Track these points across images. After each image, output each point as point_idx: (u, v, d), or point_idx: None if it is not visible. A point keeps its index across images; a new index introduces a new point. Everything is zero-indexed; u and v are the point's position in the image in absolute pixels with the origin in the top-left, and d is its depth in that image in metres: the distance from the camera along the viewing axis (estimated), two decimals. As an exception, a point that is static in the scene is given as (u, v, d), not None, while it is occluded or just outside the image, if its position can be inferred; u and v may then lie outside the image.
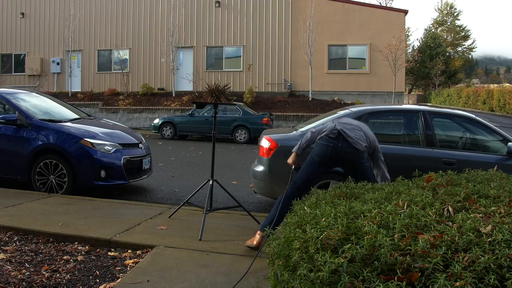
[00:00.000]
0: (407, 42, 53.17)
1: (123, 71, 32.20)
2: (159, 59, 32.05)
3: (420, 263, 2.37)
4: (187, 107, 27.40)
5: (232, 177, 11.15)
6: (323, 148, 5.43)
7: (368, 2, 34.83)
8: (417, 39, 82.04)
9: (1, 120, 8.75)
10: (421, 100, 54.63)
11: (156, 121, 23.73)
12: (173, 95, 29.91)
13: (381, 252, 2.45)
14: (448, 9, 67.82)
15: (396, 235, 2.65)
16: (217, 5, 31.71)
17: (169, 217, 6.80)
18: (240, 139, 22.14)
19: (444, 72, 53.05)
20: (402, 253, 2.47)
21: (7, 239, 5.79)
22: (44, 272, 4.66)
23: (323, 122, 7.64)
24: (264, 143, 7.49)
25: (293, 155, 5.73)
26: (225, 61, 31.78)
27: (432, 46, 54.31)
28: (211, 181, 6.32)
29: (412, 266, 2.37)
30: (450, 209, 3.19)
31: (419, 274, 2.31)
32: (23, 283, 4.36)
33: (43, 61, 34.77)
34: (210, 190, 6.26)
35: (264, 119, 22.44)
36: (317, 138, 5.56)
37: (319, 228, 2.86)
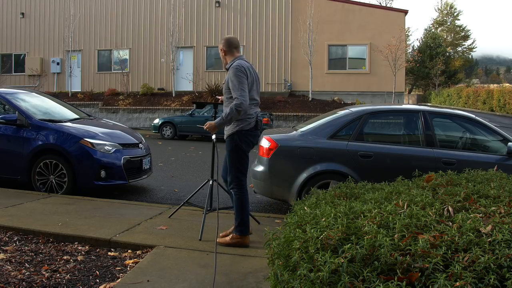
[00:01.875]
0: (407, 42, 53.17)
1: (123, 71, 32.20)
2: (159, 59, 32.04)
3: (420, 263, 2.38)
4: (187, 107, 27.40)
5: (232, 177, 11.13)
6: None
7: (368, 2, 34.76)
8: (417, 39, 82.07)
9: (1, 120, 8.74)
10: (421, 100, 54.65)
11: (156, 121, 23.71)
12: (173, 95, 29.90)
13: (381, 252, 2.45)
14: (448, 9, 67.83)
15: (396, 235, 2.65)
16: (217, 5, 31.71)
17: (169, 217, 6.79)
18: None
19: (444, 72, 53.07)
20: (402, 253, 2.47)
21: (7, 239, 5.79)
22: (44, 272, 4.66)
23: (323, 122, 7.65)
24: (264, 143, 7.49)
25: None
26: (224, 61, 31.72)
27: (432, 46, 54.31)
28: (211, 181, 6.30)
29: (412, 266, 2.37)
30: (450, 209, 3.19)
31: (419, 274, 2.31)
32: (23, 283, 4.36)
33: (43, 61, 34.76)
34: (210, 190, 6.25)
35: (264, 119, 22.38)
36: None
37: (319, 228, 2.87)
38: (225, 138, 5.64)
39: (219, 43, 5.87)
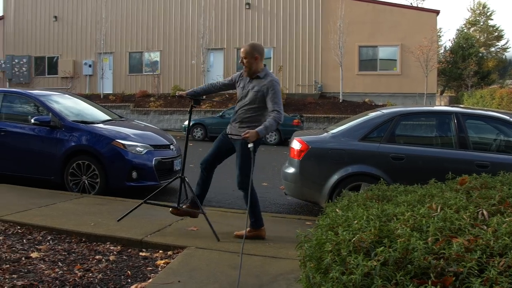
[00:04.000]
0: (439, 43, 52.52)
1: (154, 73, 32.48)
2: (189, 61, 32.23)
3: (454, 267, 2.35)
4: (217, 109, 27.47)
5: (263, 179, 11.15)
6: None
7: (399, 3, 34.47)
8: (449, 40, 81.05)
9: (35, 122, 8.88)
10: (453, 101, 53.89)
11: (186, 123, 23.76)
12: (203, 97, 29.89)
13: (415, 256, 2.43)
14: (481, 9, 66.82)
15: (429, 239, 2.62)
16: (247, 6, 31.77)
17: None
18: (271, 140, 22.09)
19: (477, 73, 52.23)
20: (435, 256, 2.44)
21: (41, 238, 5.88)
22: (76, 271, 4.72)
23: (354, 124, 7.61)
24: (295, 145, 7.48)
25: None
26: (255, 63, 31.73)
27: (465, 47, 53.49)
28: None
29: (446, 270, 2.35)
30: (485, 212, 3.14)
31: (453, 278, 2.29)
32: (56, 281, 4.42)
33: (75, 63, 35.26)
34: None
35: (295, 120, 22.37)
36: None
37: (351, 230, 2.85)
38: (238, 139, 5.81)
39: (246, 47, 5.87)
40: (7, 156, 9.15)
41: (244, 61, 5.84)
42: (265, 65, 6.02)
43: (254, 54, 5.81)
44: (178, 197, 6.16)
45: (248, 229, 5.82)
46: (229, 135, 6.02)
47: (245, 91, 5.91)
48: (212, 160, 6.15)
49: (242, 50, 5.90)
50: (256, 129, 5.53)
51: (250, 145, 5.49)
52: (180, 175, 6.26)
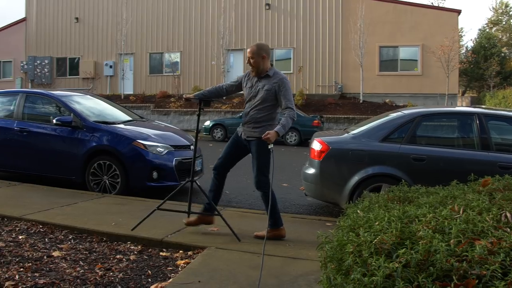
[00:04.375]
0: (461, 43, 52.07)
1: (174, 74, 32.63)
2: (209, 61, 32.34)
3: (477, 269, 2.32)
4: (237, 109, 27.49)
5: (283, 180, 11.14)
6: None
7: (420, 3, 34.21)
8: (471, 40, 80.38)
9: (57, 122, 8.97)
10: (475, 102, 53.40)
11: (207, 123, 23.87)
12: (224, 97, 29.93)
13: (437, 258, 2.41)
14: (503, 8, 66.08)
15: (452, 241, 2.60)
16: (267, 7, 31.78)
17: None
18: (291, 141, 22.08)
19: (499, 73, 51.68)
20: (458, 259, 2.42)
21: (62, 237, 5.94)
22: (97, 271, 4.75)
23: (375, 124, 7.57)
24: (316, 145, 7.47)
25: None
26: (275, 63, 31.69)
27: (487, 47, 52.96)
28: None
29: (469, 272, 2.32)
30: (508, 214, 3.11)
31: (476, 281, 2.26)
32: (78, 280, 4.46)
33: (96, 64, 35.59)
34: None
35: (315, 121, 22.34)
36: None
37: (373, 232, 2.84)
38: (253, 140, 5.84)
39: (253, 47, 5.91)
40: (29, 156, 9.27)
41: (252, 61, 5.87)
42: (271, 64, 6.06)
43: (261, 54, 5.84)
44: (189, 202, 6.15)
45: (267, 229, 5.84)
46: (242, 138, 6.02)
47: (254, 91, 5.95)
48: (225, 165, 6.18)
49: (248, 50, 5.93)
50: (275, 129, 5.56)
51: (270, 146, 5.50)
52: (190, 178, 6.22)
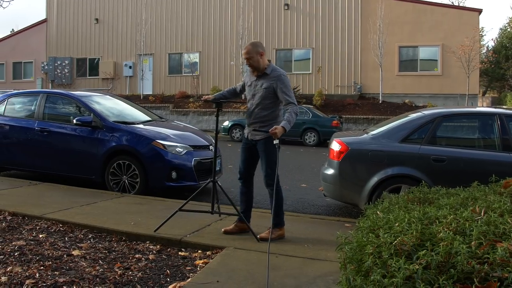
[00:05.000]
0: (481, 43, 51.56)
1: (193, 74, 32.73)
2: (228, 62, 32.37)
3: (499, 272, 2.30)
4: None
5: (302, 180, 11.12)
6: None
7: (440, 2, 33.97)
8: (492, 39, 79.53)
9: (77, 122, 9.04)
10: (496, 102, 52.88)
11: (226, 123, 23.92)
12: (243, 97, 29.89)
13: (458, 260, 2.39)
14: (525, 7, 65.39)
15: (473, 243, 2.57)
16: (286, 7, 31.75)
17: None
18: (309, 142, 22.04)
19: (520, 73, 51.19)
20: (479, 261, 2.40)
21: (82, 236, 5.98)
22: (116, 269, 4.78)
23: (394, 125, 7.52)
24: (335, 146, 7.44)
25: None
26: (294, 64, 31.73)
27: (508, 46, 52.40)
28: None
29: (490, 275, 2.30)
30: (530, 216, 3.07)
31: (498, 283, 2.24)
32: (97, 279, 4.49)
33: (116, 64, 35.84)
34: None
35: (334, 122, 22.27)
36: None
37: (393, 233, 2.82)
38: (261, 139, 5.78)
39: (248, 47, 5.90)
40: (49, 156, 9.36)
41: (250, 61, 5.85)
42: (269, 60, 6.04)
43: (258, 51, 5.83)
44: (212, 202, 6.16)
45: (271, 229, 5.87)
46: (249, 139, 6.01)
47: (253, 90, 5.94)
48: (246, 171, 6.18)
49: (244, 51, 5.91)
50: (281, 124, 5.55)
51: (276, 141, 5.49)
52: (212, 178, 6.23)
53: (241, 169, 6.18)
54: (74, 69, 37.23)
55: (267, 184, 5.93)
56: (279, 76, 5.79)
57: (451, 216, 3.02)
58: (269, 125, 5.75)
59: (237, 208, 6.15)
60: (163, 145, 8.68)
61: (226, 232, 6.04)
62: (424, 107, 25.25)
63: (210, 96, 6.34)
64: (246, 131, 6.09)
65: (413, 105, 27.99)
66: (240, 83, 6.43)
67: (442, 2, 36.26)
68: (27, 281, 4.30)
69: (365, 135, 7.64)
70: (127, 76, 35.36)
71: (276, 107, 5.87)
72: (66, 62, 36.90)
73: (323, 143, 21.03)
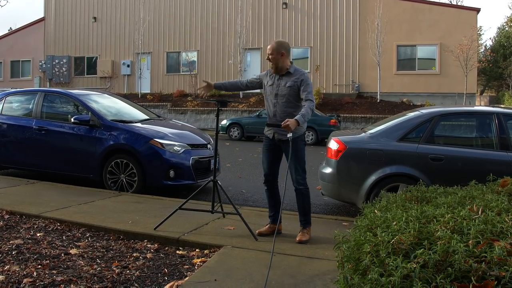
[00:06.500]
0: (479, 42, 51.60)
1: (191, 73, 32.73)
2: (226, 60, 32.37)
3: (497, 271, 2.30)
4: (254, 108, 27.51)
5: (299, 179, 11.10)
6: None
7: (438, 1, 33.94)
8: (490, 38, 79.56)
9: (75, 121, 9.04)
10: (494, 101, 52.93)
11: (224, 122, 23.91)
12: (241, 96, 30.02)
13: (455, 258, 2.39)
14: (523, 7, 65.45)
15: (470, 241, 2.57)
16: (284, 6, 31.76)
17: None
18: (307, 140, 21.99)
19: (518, 72, 51.23)
20: (477, 260, 2.39)
21: (80, 235, 5.98)
22: (114, 268, 4.78)
23: (392, 124, 7.52)
24: (333, 145, 7.44)
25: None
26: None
27: (506, 45, 52.46)
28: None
29: (488, 274, 2.30)
30: (528, 215, 3.07)
31: (495, 282, 2.24)
32: (95, 277, 4.49)
33: (114, 63, 35.85)
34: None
35: (332, 120, 22.27)
36: None
37: (390, 232, 2.82)
38: (289, 138, 5.61)
39: (273, 44, 5.92)
40: (47, 154, 9.36)
41: (271, 57, 5.87)
42: (291, 61, 6.05)
43: (280, 51, 5.84)
44: (212, 201, 6.15)
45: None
46: (276, 139, 5.97)
47: (276, 88, 5.92)
48: (272, 172, 6.15)
49: (268, 47, 5.92)
50: (295, 117, 5.54)
51: (289, 135, 5.48)
52: (212, 178, 6.22)
53: (266, 171, 6.14)
54: (72, 67, 37.26)
55: (299, 184, 5.92)
56: (303, 75, 5.86)
57: (449, 215, 3.02)
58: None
59: (236, 207, 6.15)
60: (161, 143, 8.68)
61: (260, 234, 5.99)
62: (422, 106, 25.26)
63: (208, 83, 6.35)
64: (269, 132, 6.03)
65: (411, 104, 28.02)
66: (245, 78, 6.43)
67: (440, 1, 36.24)
68: (25, 280, 4.30)
69: (363, 134, 7.64)
70: (125, 75, 35.38)
71: (298, 106, 5.88)
72: (64, 60, 36.90)
73: (321, 142, 21.06)
